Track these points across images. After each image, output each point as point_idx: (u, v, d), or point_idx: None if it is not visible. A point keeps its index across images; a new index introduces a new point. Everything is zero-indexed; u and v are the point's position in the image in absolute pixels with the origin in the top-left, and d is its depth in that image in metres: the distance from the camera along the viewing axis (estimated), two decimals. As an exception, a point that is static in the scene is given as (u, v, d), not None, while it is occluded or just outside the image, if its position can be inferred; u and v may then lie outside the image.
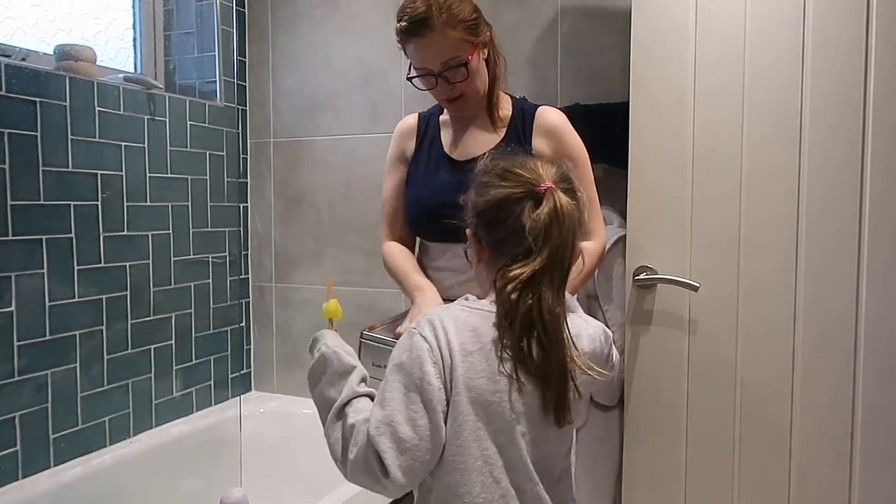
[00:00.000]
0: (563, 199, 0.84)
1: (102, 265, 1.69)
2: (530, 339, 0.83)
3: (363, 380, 0.91)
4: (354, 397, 0.87)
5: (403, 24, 1.16)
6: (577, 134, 1.24)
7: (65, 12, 1.77)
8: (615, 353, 1.03)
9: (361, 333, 1.18)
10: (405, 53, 1.23)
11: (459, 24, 1.15)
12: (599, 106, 1.66)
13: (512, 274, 0.82)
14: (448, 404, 0.83)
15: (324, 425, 0.88)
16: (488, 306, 0.87)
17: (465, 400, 0.83)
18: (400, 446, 0.80)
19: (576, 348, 0.86)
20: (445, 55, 1.16)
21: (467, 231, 0.92)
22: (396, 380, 0.83)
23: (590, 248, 1.22)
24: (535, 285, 0.82)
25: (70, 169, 1.60)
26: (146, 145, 1.82)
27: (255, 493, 1.57)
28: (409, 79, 1.23)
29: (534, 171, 0.87)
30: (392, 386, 0.83)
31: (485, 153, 1.16)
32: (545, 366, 0.83)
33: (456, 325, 0.85)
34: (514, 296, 0.82)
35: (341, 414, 0.86)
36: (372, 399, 0.87)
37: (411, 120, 1.37)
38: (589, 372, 0.85)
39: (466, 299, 0.91)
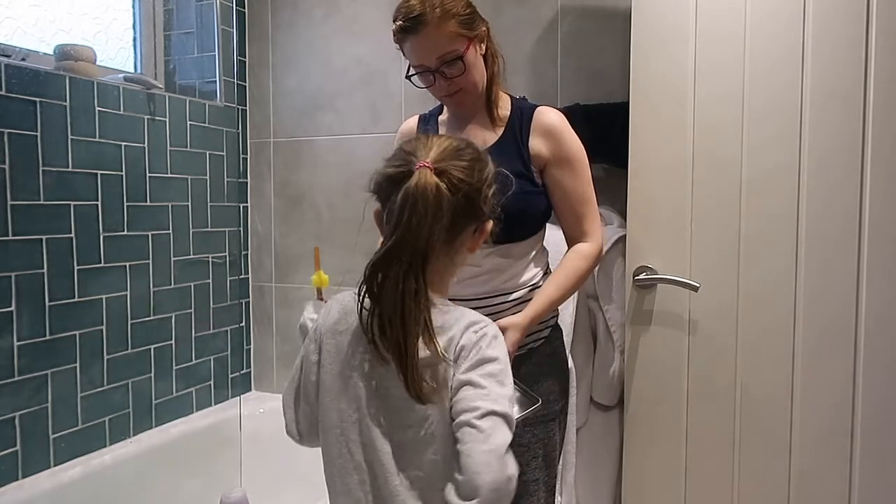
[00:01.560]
0: (426, 178, 0.82)
1: (102, 265, 1.69)
2: (379, 316, 0.83)
3: None
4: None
5: (399, 23, 1.18)
6: (575, 134, 1.24)
7: (65, 12, 1.77)
8: (490, 367, 0.86)
9: None
10: (403, 54, 1.24)
11: (453, 19, 1.17)
12: (599, 106, 1.66)
13: (377, 251, 0.85)
14: (318, 378, 0.92)
15: None
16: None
17: (329, 373, 0.91)
18: (286, 410, 0.98)
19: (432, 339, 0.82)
20: (441, 49, 1.17)
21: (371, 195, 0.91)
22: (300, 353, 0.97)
23: (584, 250, 1.21)
24: (384, 264, 0.83)
25: (70, 169, 1.60)
26: (146, 145, 1.82)
27: (255, 492, 1.57)
28: (408, 77, 1.24)
29: (417, 149, 0.86)
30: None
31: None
32: (392, 343, 0.83)
33: (338, 307, 0.93)
34: (368, 272, 0.84)
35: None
36: None
37: (411, 122, 1.38)
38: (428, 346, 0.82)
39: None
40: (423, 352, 0.83)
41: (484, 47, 1.25)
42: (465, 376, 0.83)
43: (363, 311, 0.86)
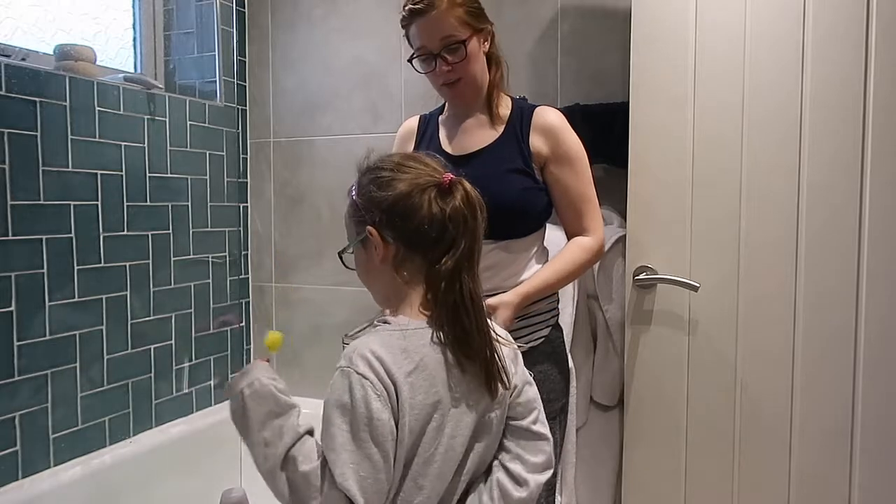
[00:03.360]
0: (469, 187, 0.87)
1: (102, 265, 1.69)
2: (462, 323, 0.85)
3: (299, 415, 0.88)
4: (298, 440, 0.84)
5: (409, 6, 1.20)
6: (574, 133, 1.25)
7: (65, 12, 1.77)
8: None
9: (343, 338, 1.17)
10: (408, 41, 1.25)
11: (461, 7, 1.20)
12: (599, 106, 1.66)
13: (441, 267, 0.85)
14: (398, 428, 0.82)
15: (260, 470, 0.85)
16: (412, 323, 0.87)
17: (409, 420, 0.82)
18: (363, 485, 0.78)
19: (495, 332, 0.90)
20: (445, 32, 1.19)
21: (368, 229, 0.88)
22: (343, 422, 0.80)
23: (584, 242, 1.23)
24: (459, 273, 0.85)
25: (70, 169, 1.60)
26: (146, 145, 1.82)
27: (255, 492, 1.57)
28: (410, 60, 1.26)
29: (428, 165, 0.89)
30: (340, 429, 0.80)
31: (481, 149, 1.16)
32: (478, 344, 0.86)
33: (386, 350, 0.83)
34: (444, 289, 0.85)
35: (287, 460, 0.83)
36: (312, 434, 0.86)
37: (412, 122, 1.38)
38: (508, 344, 0.91)
39: (385, 322, 0.89)
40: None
41: (488, 46, 1.26)
42: (527, 375, 0.94)
43: (441, 336, 0.86)
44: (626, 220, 1.50)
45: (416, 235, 0.86)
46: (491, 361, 0.87)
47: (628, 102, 1.45)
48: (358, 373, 0.81)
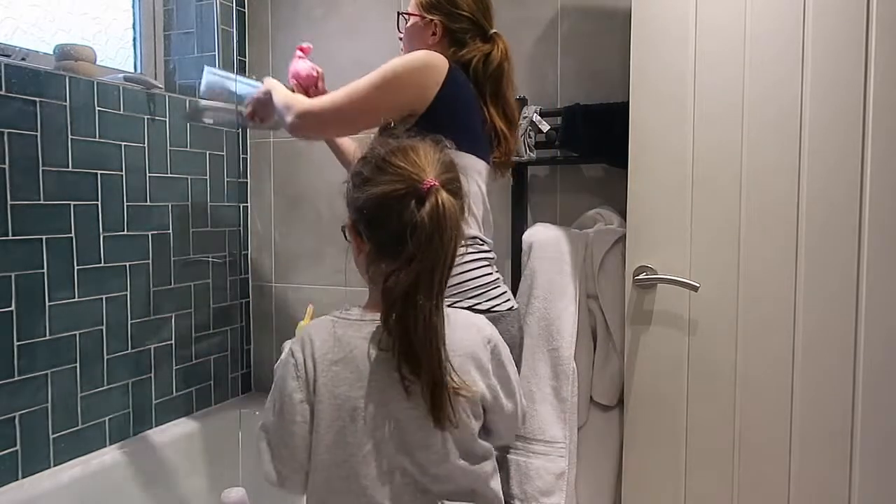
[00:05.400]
0: (445, 198, 0.81)
1: (102, 265, 1.69)
2: (406, 346, 0.82)
3: None
4: None
5: None
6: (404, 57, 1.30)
7: (65, 12, 1.77)
8: (509, 372, 0.97)
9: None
10: None
11: None
12: (599, 106, 1.66)
13: (393, 281, 0.81)
14: (312, 413, 0.87)
15: None
16: (359, 314, 0.89)
17: (329, 407, 0.85)
18: (270, 452, 0.90)
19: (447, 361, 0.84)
20: (410, 4, 1.41)
21: (346, 222, 0.91)
22: (273, 393, 0.92)
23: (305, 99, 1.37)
24: (412, 294, 0.80)
25: (70, 169, 1.60)
26: (146, 145, 1.82)
27: (255, 492, 1.57)
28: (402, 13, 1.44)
29: (415, 164, 0.83)
30: (271, 397, 0.92)
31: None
32: (421, 372, 0.82)
33: (321, 336, 0.89)
34: (393, 303, 0.81)
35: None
36: None
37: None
38: (460, 392, 0.84)
39: (347, 309, 0.92)
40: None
41: (436, 39, 1.38)
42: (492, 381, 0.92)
43: (384, 340, 0.84)
44: (626, 220, 1.50)
45: (385, 242, 0.84)
46: (435, 395, 0.82)
47: (628, 102, 1.45)
48: (291, 351, 0.91)
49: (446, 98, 1.26)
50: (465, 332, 0.91)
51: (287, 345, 0.97)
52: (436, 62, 1.28)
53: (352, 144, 1.62)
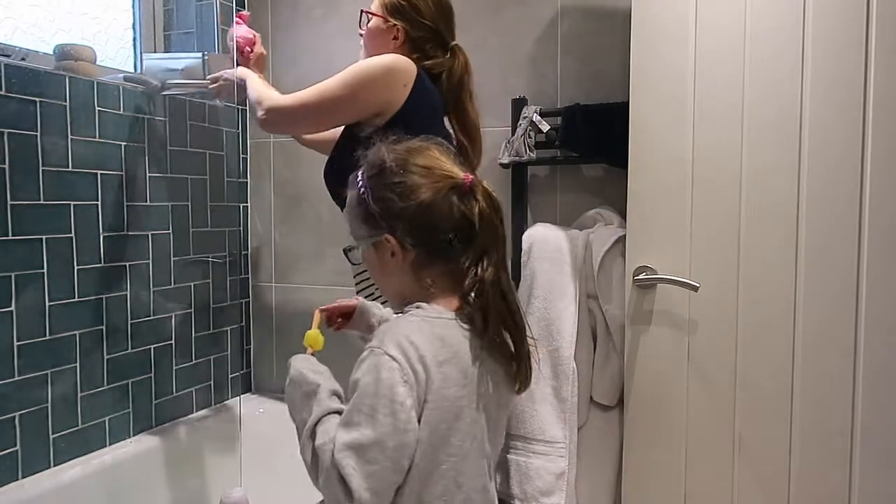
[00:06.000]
0: (489, 188, 0.88)
1: (102, 265, 1.69)
2: (505, 329, 0.87)
3: (335, 393, 0.88)
4: (324, 415, 0.84)
5: None
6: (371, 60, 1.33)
7: (65, 12, 1.77)
8: None
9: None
10: None
11: None
12: (599, 106, 1.66)
13: (482, 274, 0.84)
14: (420, 420, 0.80)
15: (300, 450, 0.86)
16: (446, 313, 0.86)
17: (439, 410, 0.82)
18: (366, 470, 0.77)
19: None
20: (375, 1, 1.42)
21: (385, 237, 0.87)
22: (363, 402, 0.79)
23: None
24: (497, 281, 0.85)
25: (70, 169, 1.60)
26: (146, 145, 1.82)
27: (255, 493, 1.57)
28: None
29: (444, 164, 0.88)
30: (358, 408, 0.79)
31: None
32: (518, 347, 0.88)
33: (423, 336, 0.82)
34: (487, 294, 0.85)
35: (312, 434, 0.84)
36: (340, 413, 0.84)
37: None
38: (531, 341, 0.91)
39: (419, 307, 0.87)
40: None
41: (398, 44, 1.39)
42: None
43: (476, 327, 0.86)
44: (626, 220, 1.50)
45: (442, 243, 0.85)
46: (524, 362, 0.89)
47: (628, 102, 1.45)
48: (388, 355, 0.80)
49: (415, 102, 1.29)
50: None
51: (297, 362, 0.93)
52: (406, 66, 1.31)
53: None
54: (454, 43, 1.43)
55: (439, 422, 0.82)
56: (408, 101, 1.29)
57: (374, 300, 1.18)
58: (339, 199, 1.36)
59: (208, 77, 1.67)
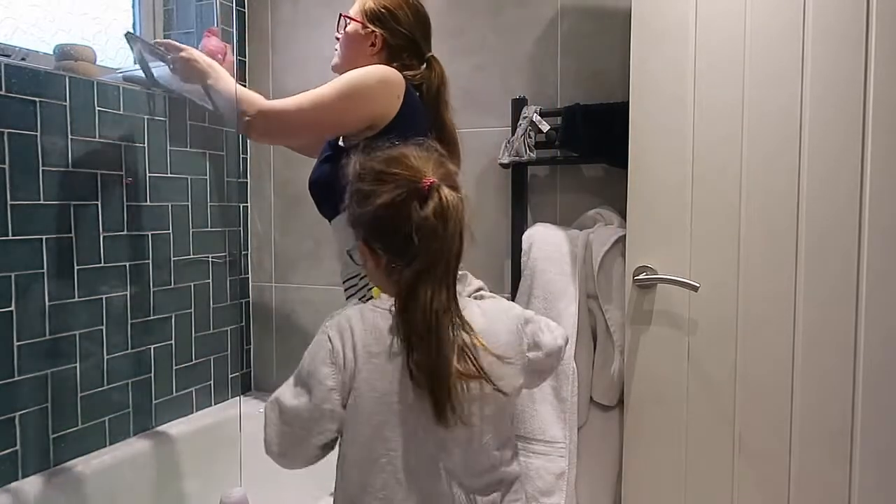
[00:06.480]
0: (446, 193, 0.84)
1: (102, 265, 1.69)
2: (417, 341, 0.83)
3: None
4: None
5: None
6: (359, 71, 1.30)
7: (65, 12, 1.77)
8: (543, 337, 0.96)
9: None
10: None
11: (369, 3, 1.38)
12: (599, 106, 1.66)
13: (397, 276, 0.85)
14: (345, 405, 0.86)
15: None
16: (391, 305, 0.88)
17: (370, 399, 0.84)
18: (280, 429, 0.87)
19: (470, 346, 0.85)
20: (352, 8, 1.41)
21: (358, 244, 0.90)
22: (301, 368, 0.88)
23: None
24: (418, 287, 0.82)
25: (70, 169, 1.60)
26: (146, 145, 1.82)
27: (255, 493, 1.57)
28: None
29: (411, 167, 0.86)
30: (298, 372, 0.89)
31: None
32: (430, 366, 0.82)
33: (363, 326, 0.86)
34: (403, 300, 0.83)
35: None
36: None
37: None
38: (481, 376, 0.84)
39: (383, 300, 0.90)
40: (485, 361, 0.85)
41: (375, 50, 1.38)
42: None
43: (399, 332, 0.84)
44: (626, 220, 1.50)
45: (398, 247, 0.85)
46: (442, 393, 0.82)
47: (628, 102, 1.45)
48: (327, 335, 0.87)
49: (405, 113, 1.29)
50: (501, 323, 0.92)
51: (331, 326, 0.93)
52: (396, 78, 1.30)
53: None
54: (430, 54, 1.43)
55: (372, 412, 0.84)
56: (401, 112, 1.29)
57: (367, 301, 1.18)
58: (324, 209, 1.37)
59: (156, 41, 1.53)
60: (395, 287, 0.87)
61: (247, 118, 1.27)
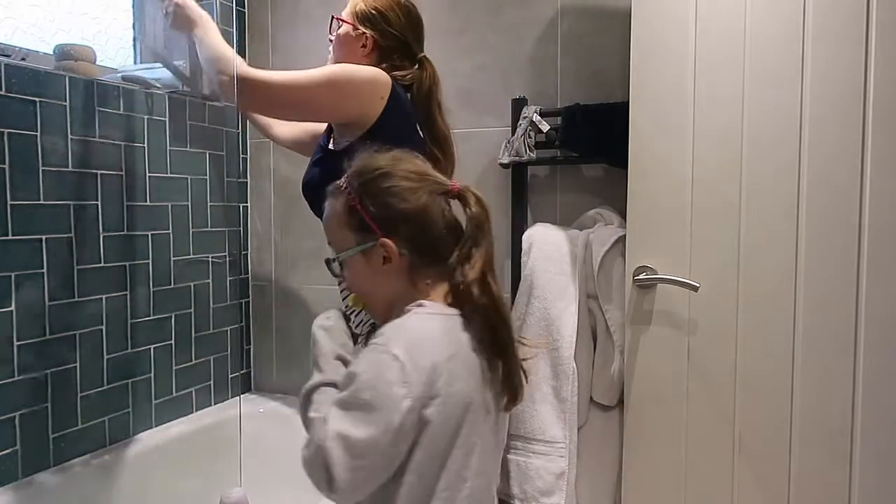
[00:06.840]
0: (478, 193, 0.92)
1: (102, 265, 1.69)
2: (496, 330, 0.88)
3: (338, 358, 0.92)
4: (323, 384, 0.87)
5: None
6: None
7: (65, 12, 1.77)
8: None
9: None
10: None
11: (364, 4, 1.40)
12: (599, 106, 1.66)
13: (471, 274, 0.87)
14: (419, 417, 0.80)
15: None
16: (449, 310, 0.89)
17: (448, 405, 0.81)
18: (353, 464, 0.77)
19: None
20: (344, 10, 1.43)
21: (382, 241, 0.88)
22: (360, 396, 0.79)
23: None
24: (486, 279, 0.88)
25: (70, 169, 1.60)
26: (146, 145, 1.82)
27: (255, 493, 1.57)
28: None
29: (430, 172, 0.93)
30: (356, 401, 0.79)
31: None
32: (507, 351, 0.90)
33: (431, 334, 0.84)
34: (476, 292, 0.87)
35: (308, 401, 0.87)
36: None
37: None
38: (525, 343, 0.95)
39: (421, 305, 0.87)
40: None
41: (367, 52, 1.40)
42: None
43: (473, 330, 0.88)
44: (626, 220, 1.50)
45: (429, 246, 0.89)
46: (515, 364, 0.91)
47: (628, 102, 1.45)
48: (392, 353, 0.79)
49: (391, 115, 1.30)
50: None
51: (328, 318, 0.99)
52: (383, 79, 1.31)
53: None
54: (422, 54, 1.44)
55: (449, 417, 0.82)
56: (384, 113, 1.29)
57: (349, 311, 1.18)
58: (318, 210, 1.36)
59: None
60: (417, 283, 0.90)
61: (223, 77, 1.25)
